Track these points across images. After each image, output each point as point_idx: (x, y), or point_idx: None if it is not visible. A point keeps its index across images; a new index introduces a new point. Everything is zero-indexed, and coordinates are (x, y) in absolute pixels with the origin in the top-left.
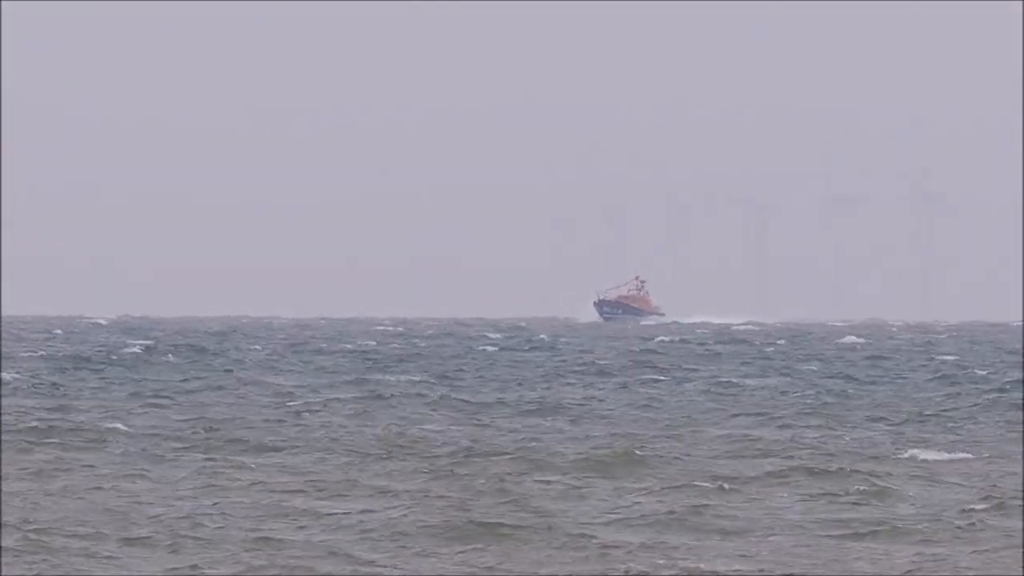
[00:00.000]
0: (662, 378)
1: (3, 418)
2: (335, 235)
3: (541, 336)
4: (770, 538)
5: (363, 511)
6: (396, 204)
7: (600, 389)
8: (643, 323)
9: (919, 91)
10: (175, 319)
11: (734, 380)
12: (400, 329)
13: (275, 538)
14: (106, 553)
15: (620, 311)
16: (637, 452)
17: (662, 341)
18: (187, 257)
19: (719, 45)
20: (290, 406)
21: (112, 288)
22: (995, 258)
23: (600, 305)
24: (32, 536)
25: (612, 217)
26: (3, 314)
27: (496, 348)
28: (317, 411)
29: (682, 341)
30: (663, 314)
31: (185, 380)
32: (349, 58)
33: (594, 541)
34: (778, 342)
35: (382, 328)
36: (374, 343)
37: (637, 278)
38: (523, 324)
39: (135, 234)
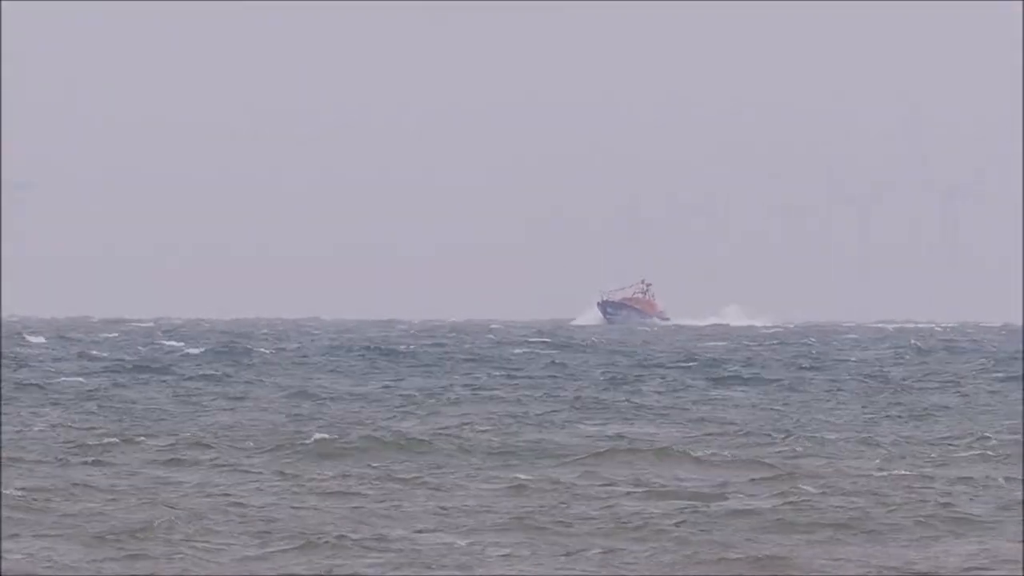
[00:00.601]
0: (722, 375)
1: (70, 422)
2: (335, 235)
3: (580, 338)
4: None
5: (465, 508)
6: (396, 204)
7: (656, 388)
8: (648, 324)
9: (919, 91)
10: (211, 320)
11: (795, 381)
12: (452, 332)
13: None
14: (180, 551)
15: (624, 312)
16: (745, 452)
17: (714, 345)
18: (192, 257)
19: (719, 45)
20: (356, 407)
21: (118, 287)
22: (996, 258)
23: (604, 306)
24: (109, 537)
25: (613, 217)
26: (24, 314)
27: (530, 350)
28: (393, 415)
29: (730, 342)
30: (668, 318)
31: (250, 383)
32: (349, 58)
33: (711, 543)
34: (831, 343)
35: (405, 328)
36: (413, 344)
37: (643, 281)
38: (550, 327)
39: (138, 234)
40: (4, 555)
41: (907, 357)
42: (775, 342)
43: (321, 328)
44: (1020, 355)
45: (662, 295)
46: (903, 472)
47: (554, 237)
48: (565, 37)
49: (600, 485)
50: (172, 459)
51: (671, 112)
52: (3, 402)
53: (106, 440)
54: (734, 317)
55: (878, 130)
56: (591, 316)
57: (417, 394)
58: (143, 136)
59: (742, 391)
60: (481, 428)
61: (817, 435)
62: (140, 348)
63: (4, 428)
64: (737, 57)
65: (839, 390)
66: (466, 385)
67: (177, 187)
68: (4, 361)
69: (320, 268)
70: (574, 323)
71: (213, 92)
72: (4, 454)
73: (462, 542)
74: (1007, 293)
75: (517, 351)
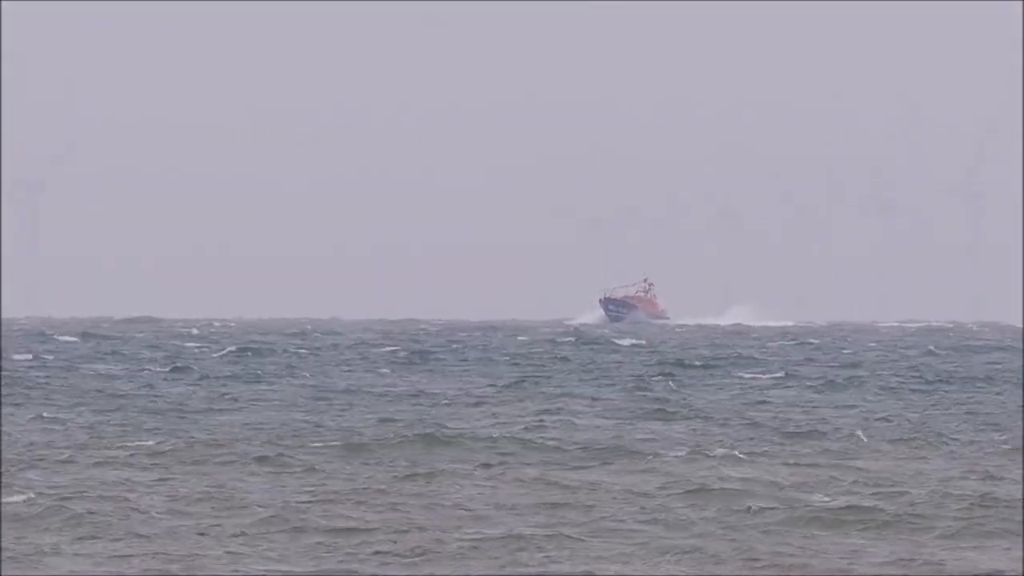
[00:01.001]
0: (760, 373)
1: (111, 421)
2: (335, 235)
3: (606, 337)
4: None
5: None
6: (395, 203)
7: (696, 387)
8: (649, 323)
9: (919, 91)
10: (236, 320)
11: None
12: (477, 331)
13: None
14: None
15: (625, 311)
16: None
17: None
18: (195, 257)
19: (719, 45)
20: (388, 405)
21: (124, 288)
22: (997, 258)
23: (606, 303)
24: (158, 539)
25: (613, 217)
26: (35, 314)
27: (558, 349)
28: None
29: (760, 341)
30: (668, 317)
31: (287, 381)
32: (349, 58)
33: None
34: (869, 344)
35: (425, 328)
36: (443, 344)
37: (645, 280)
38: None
39: (139, 234)
40: (62, 557)
41: (940, 355)
42: (804, 341)
43: (344, 328)
44: None
45: (661, 295)
46: (943, 470)
47: (554, 237)
48: (565, 37)
49: (639, 483)
50: (215, 458)
51: (671, 112)
52: (43, 403)
53: (154, 440)
54: (744, 317)
55: (878, 130)
56: (593, 315)
57: (453, 392)
58: (143, 136)
59: (781, 389)
60: (520, 427)
61: (858, 433)
62: (171, 347)
63: (48, 428)
64: (737, 57)
65: (879, 388)
66: (496, 384)
67: (178, 187)
68: (37, 362)
69: (319, 268)
70: (576, 322)
71: (213, 92)
72: (51, 455)
73: (500, 540)
74: (1008, 293)
75: (541, 349)
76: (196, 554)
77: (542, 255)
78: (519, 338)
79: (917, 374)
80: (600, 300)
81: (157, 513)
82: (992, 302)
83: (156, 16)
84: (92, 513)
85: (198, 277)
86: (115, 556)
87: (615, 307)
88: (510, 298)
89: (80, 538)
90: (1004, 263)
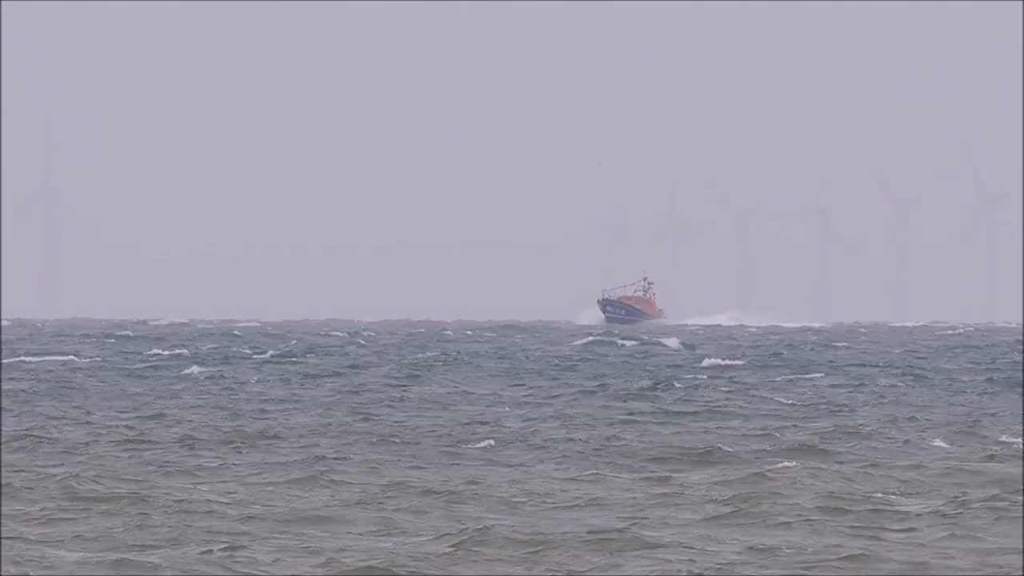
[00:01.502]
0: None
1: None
2: (333, 231)
3: (662, 343)
4: None
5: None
6: (394, 201)
7: (726, 386)
8: (647, 324)
9: (918, 90)
10: (257, 321)
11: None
12: (503, 332)
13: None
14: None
15: (623, 312)
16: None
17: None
18: (200, 257)
19: (719, 43)
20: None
21: (139, 290)
22: (1000, 259)
23: (604, 304)
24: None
25: (614, 217)
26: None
27: (589, 350)
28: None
29: (799, 339)
30: (665, 318)
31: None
32: (350, 56)
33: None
34: (900, 344)
35: (449, 328)
36: (477, 344)
37: (645, 279)
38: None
39: (145, 235)
40: (105, 545)
41: (971, 354)
42: (833, 342)
43: (369, 328)
44: None
45: (661, 295)
46: (994, 467)
47: (550, 237)
48: (569, 36)
49: (701, 482)
50: (262, 456)
51: (674, 110)
52: (82, 402)
53: (199, 438)
54: (768, 318)
55: (887, 129)
56: (591, 315)
57: (495, 393)
58: (143, 133)
59: (824, 388)
60: (571, 427)
61: (907, 432)
62: (211, 347)
63: (87, 425)
64: (736, 55)
65: (919, 386)
66: (541, 385)
67: (180, 187)
68: (77, 361)
69: (321, 267)
70: (576, 323)
71: (215, 87)
72: (93, 451)
73: (569, 537)
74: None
75: (575, 350)
76: (242, 545)
77: (538, 255)
78: (548, 338)
79: (950, 374)
80: (598, 301)
81: (199, 505)
82: (1004, 302)
83: (157, 15)
84: (134, 504)
85: (202, 278)
86: (149, 548)
87: (613, 308)
88: (507, 299)
89: (119, 533)
90: (1014, 263)
